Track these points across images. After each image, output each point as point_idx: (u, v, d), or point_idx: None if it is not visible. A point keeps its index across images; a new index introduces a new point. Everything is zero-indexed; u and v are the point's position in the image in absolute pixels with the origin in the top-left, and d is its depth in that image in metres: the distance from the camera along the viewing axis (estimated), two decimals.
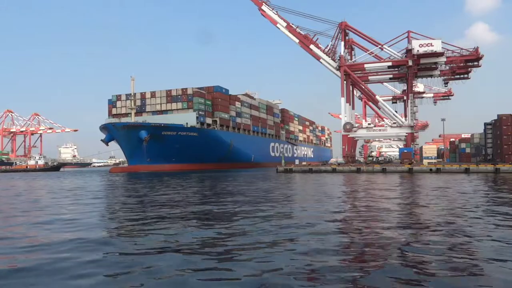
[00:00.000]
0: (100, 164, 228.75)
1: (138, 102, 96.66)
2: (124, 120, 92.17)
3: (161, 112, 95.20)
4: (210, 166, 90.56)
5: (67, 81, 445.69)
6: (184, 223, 13.45)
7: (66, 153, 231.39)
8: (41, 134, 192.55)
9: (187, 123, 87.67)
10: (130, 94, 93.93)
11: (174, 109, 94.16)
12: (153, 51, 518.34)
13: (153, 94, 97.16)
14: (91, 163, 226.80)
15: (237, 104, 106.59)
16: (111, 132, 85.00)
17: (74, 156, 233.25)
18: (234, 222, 13.46)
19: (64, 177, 64.01)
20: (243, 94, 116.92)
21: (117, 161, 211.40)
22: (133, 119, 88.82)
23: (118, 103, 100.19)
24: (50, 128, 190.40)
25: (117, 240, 10.91)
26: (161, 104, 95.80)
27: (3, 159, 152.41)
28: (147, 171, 78.94)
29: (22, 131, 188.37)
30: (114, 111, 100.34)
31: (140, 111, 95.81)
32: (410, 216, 14.94)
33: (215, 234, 11.37)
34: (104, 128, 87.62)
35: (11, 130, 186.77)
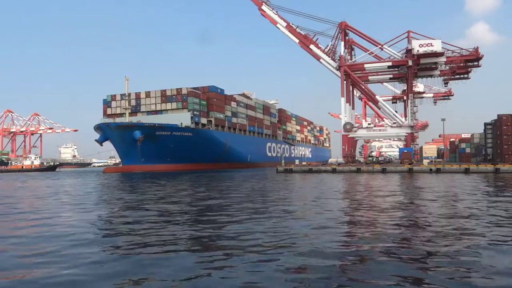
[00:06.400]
0: (100, 164, 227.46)
1: (133, 102, 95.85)
2: (118, 120, 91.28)
3: (156, 112, 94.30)
4: (206, 166, 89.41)
5: (67, 81, 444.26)
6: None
7: (66, 153, 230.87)
8: (41, 134, 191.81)
9: (181, 123, 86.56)
10: (125, 94, 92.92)
11: (169, 109, 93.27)
12: (151, 51, 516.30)
13: (147, 94, 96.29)
14: (91, 163, 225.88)
15: (233, 104, 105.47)
16: (105, 132, 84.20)
17: (74, 156, 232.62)
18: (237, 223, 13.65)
19: (54, 178, 62.75)
20: (240, 94, 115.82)
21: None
22: (127, 119, 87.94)
23: (113, 103, 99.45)
24: (50, 128, 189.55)
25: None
26: (155, 104, 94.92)
27: (2, 159, 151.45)
28: (142, 171, 77.93)
29: (22, 131, 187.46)
30: (109, 111, 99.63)
31: (134, 111, 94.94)
32: (411, 215, 15.26)
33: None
34: (98, 128, 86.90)
35: (11, 130, 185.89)
